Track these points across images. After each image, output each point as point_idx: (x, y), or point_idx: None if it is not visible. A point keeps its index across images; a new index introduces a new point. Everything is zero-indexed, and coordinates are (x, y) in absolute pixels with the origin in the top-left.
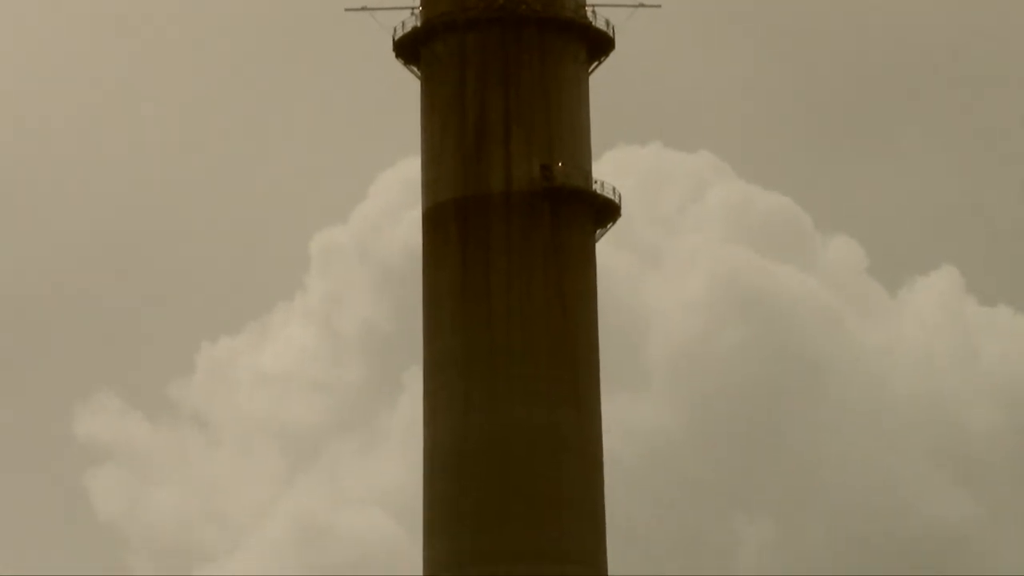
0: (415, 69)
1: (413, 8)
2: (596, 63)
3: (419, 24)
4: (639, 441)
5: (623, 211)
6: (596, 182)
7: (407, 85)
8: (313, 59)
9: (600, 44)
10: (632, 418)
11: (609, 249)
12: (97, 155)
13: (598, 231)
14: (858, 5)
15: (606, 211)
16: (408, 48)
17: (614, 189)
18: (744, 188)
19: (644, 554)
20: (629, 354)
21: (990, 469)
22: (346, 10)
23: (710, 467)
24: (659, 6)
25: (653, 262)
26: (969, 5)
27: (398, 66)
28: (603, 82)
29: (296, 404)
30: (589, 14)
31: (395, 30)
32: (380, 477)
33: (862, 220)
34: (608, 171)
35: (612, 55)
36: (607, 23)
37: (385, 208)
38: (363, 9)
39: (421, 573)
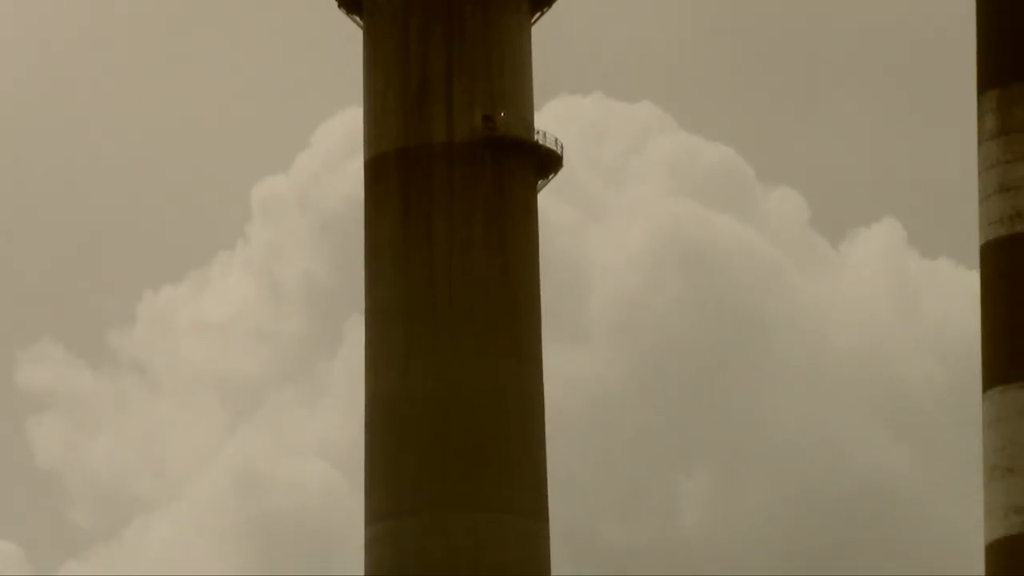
0: (357, 19)
1: None
2: (539, 13)
3: None
4: (580, 394)
5: (565, 162)
6: (538, 132)
7: (349, 35)
8: (255, 6)
9: None
10: (574, 370)
11: (551, 200)
12: (36, 103)
13: (540, 182)
14: None
15: (548, 162)
16: None
17: (556, 140)
18: (686, 139)
19: (585, 506)
20: (571, 306)
21: (930, 423)
22: None
23: (651, 420)
24: None
25: (595, 214)
26: None
27: (340, 15)
28: (545, 32)
29: (237, 354)
30: None
31: None
32: (322, 427)
33: (804, 172)
34: (550, 121)
35: (555, 5)
36: None
37: (327, 158)
38: None
39: (362, 523)
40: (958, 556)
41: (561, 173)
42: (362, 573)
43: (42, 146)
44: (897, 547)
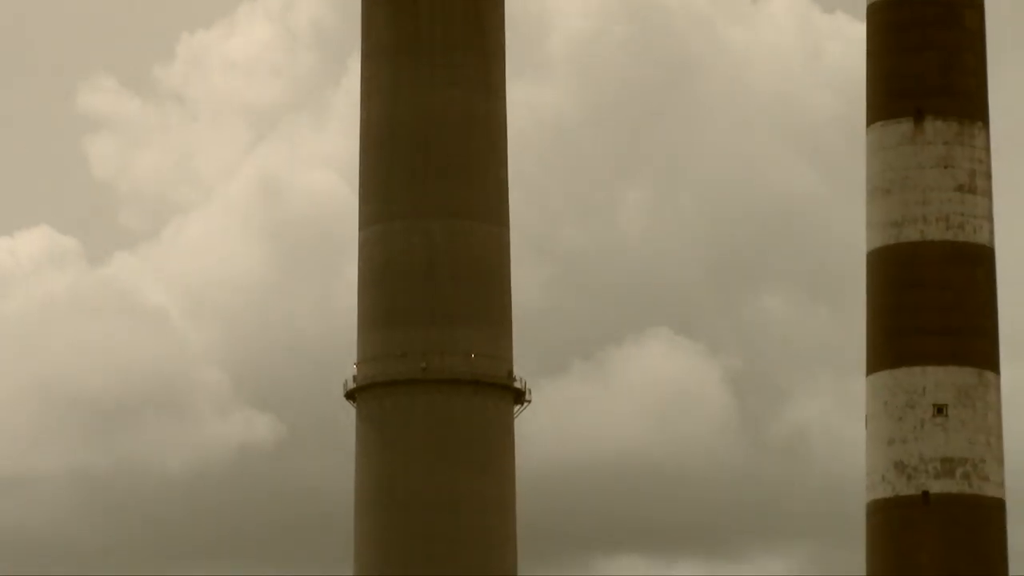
0: None
1: None
2: None
3: None
4: (541, 120)
5: None
6: None
7: None
8: None
9: None
10: (535, 100)
11: None
12: None
13: None
14: None
15: None
16: None
17: None
18: None
19: (540, 212)
20: (534, 47)
21: (830, 150)
22: None
23: (600, 143)
24: None
25: None
26: None
27: None
28: None
29: (259, 85)
30: None
31: None
32: (328, 146)
33: None
34: None
35: None
36: None
37: None
38: None
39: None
40: (847, 261)
41: None
42: (356, 267)
43: None
44: (799, 250)
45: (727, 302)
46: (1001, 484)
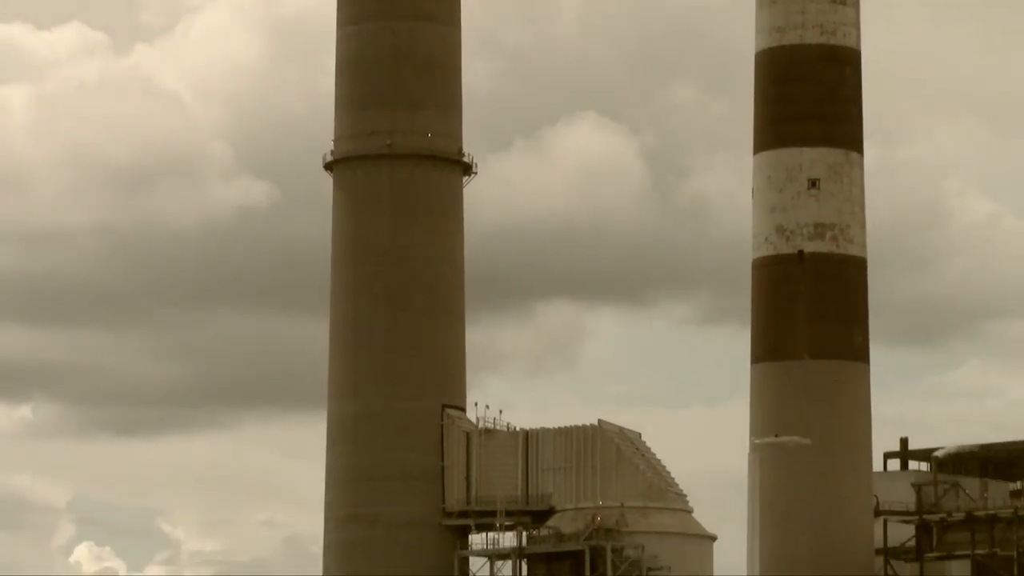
0: None
1: None
2: None
3: None
4: None
5: None
6: None
7: None
8: None
9: None
10: None
11: None
12: None
13: None
14: None
15: None
16: None
17: None
18: None
19: (488, 13)
20: None
21: None
22: None
23: None
24: None
25: None
26: None
27: None
28: None
29: None
30: None
31: None
32: None
33: None
34: None
35: None
36: None
37: None
38: None
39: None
40: (740, 59)
41: None
42: (334, 59)
43: None
44: (703, 49)
45: (645, 91)
46: (863, 245)
